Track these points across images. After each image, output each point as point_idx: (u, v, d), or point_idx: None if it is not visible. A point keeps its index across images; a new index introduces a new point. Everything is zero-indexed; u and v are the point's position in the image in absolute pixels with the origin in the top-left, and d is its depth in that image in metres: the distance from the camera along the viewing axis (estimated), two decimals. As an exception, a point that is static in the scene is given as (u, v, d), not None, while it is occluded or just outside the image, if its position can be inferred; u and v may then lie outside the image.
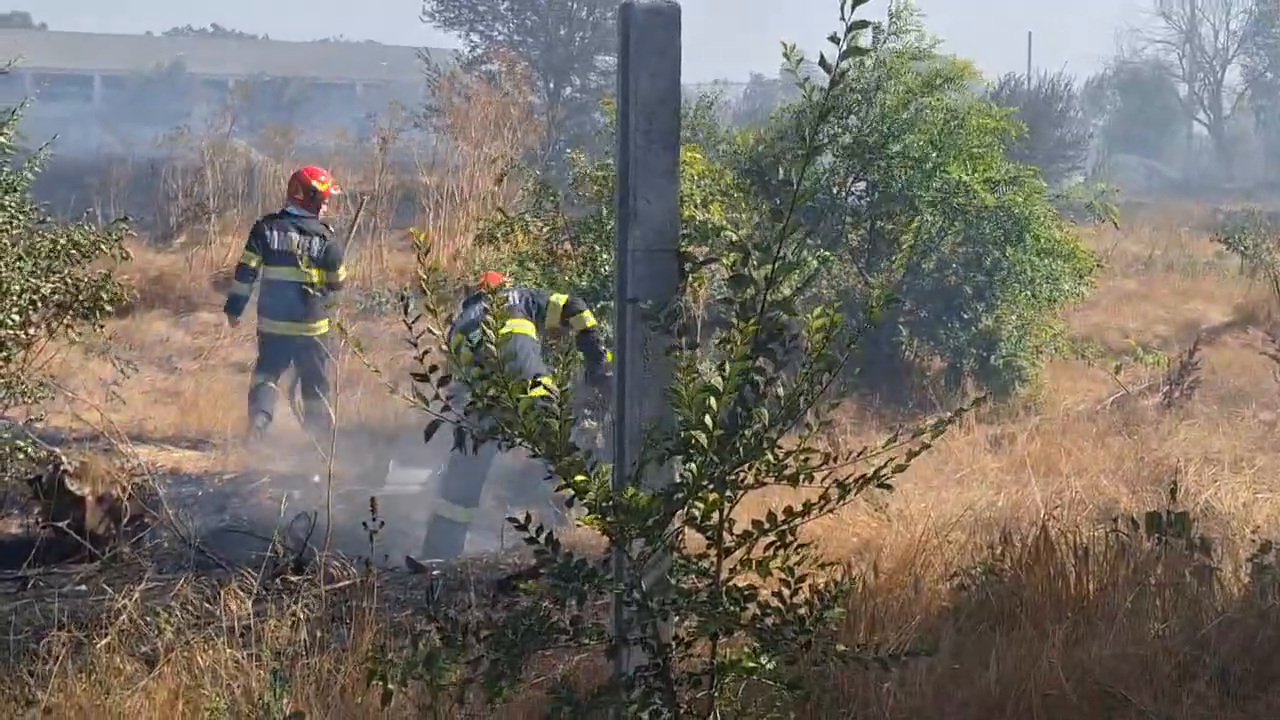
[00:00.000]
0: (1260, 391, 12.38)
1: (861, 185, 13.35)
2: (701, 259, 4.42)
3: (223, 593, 6.40)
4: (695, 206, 11.62)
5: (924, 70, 13.31)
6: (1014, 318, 12.87)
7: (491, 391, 3.50)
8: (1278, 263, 19.12)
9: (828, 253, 12.57)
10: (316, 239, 11.49)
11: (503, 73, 25.95)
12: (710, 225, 10.99)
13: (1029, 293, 12.69)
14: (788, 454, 3.62)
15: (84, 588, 7.02)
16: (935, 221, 12.69)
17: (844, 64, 3.50)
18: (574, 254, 12.39)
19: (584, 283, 11.09)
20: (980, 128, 12.97)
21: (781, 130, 13.72)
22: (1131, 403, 12.17)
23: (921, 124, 12.91)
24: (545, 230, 12.81)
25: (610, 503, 3.50)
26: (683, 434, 3.53)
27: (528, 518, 3.67)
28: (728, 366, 3.49)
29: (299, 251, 11.22)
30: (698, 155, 12.47)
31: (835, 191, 13.19)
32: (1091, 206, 14.17)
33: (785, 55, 3.74)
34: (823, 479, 3.65)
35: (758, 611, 3.64)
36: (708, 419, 3.44)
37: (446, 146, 22.19)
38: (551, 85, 39.28)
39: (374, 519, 7.09)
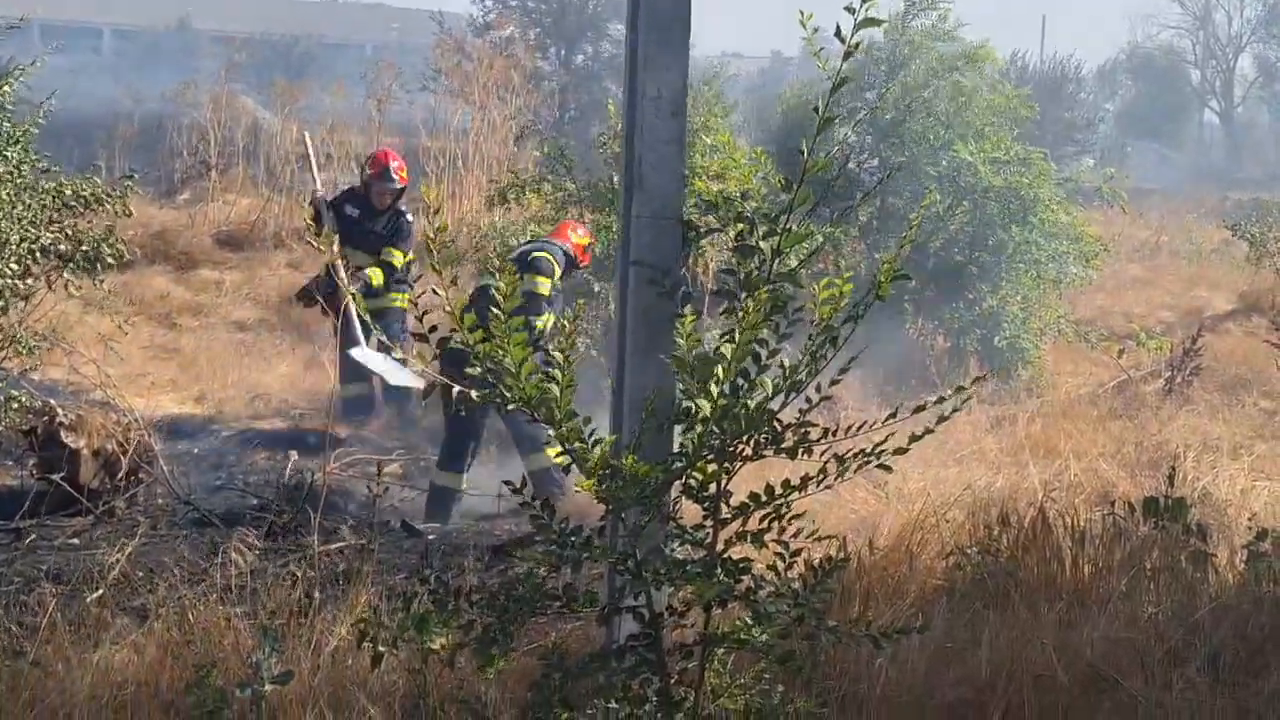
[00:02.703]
0: (1262, 379, 12.37)
1: (875, 162, 13.32)
2: (706, 228, 4.38)
3: (218, 549, 6.40)
4: (709, 178, 11.58)
5: (945, 51, 13.27)
6: (1018, 298, 12.84)
7: (493, 354, 3.47)
8: (1284, 251, 19.06)
9: (833, 228, 12.52)
10: None
11: (512, 37, 25.81)
12: (719, 195, 10.94)
13: (1034, 273, 12.66)
14: (786, 427, 3.59)
15: (76, 541, 7.02)
16: (943, 200, 12.64)
17: (858, 35, 3.47)
18: (585, 220, 12.36)
19: (596, 249, 11.06)
20: (989, 106, 12.92)
21: (806, 101, 13.68)
22: (1133, 387, 12.15)
23: (935, 102, 12.86)
24: (556, 195, 12.78)
25: (608, 470, 3.48)
26: (683, 403, 3.51)
27: (524, 482, 3.65)
28: (737, 336, 3.46)
29: None
30: (721, 123, 12.44)
31: (849, 166, 13.14)
32: (1100, 191, 14.12)
33: (802, 23, 3.70)
34: (821, 453, 3.62)
35: (751, 584, 3.62)
36: (712, 388, 3.42)
37: (448, 110, 22.09)
38: (563, 52, 39.10)
39: (378, 483, 7.09)
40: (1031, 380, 12.61)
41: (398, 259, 10.93)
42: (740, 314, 3.49)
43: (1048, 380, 12.75)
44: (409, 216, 11.05)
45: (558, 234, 9.56)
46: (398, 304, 10.90)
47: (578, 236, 9.51)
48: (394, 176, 11.06)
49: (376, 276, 10.75)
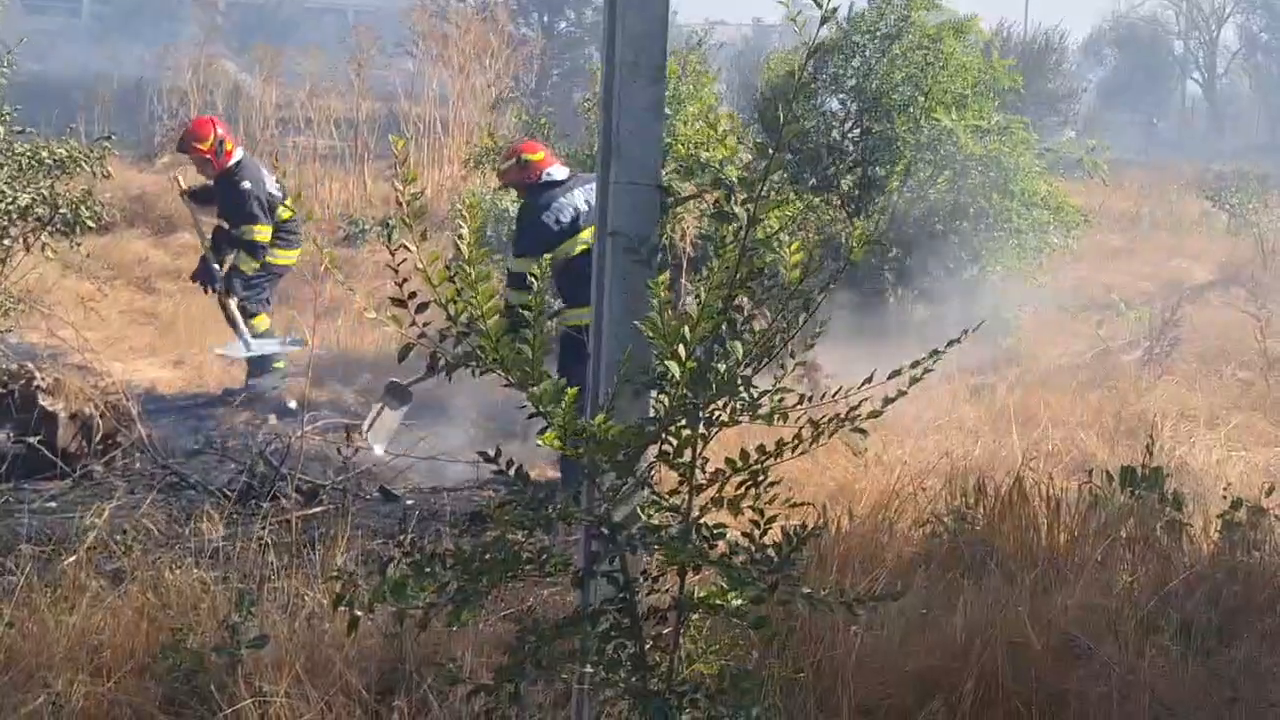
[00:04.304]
0: (1240, 350, 12.40)
1: (857, 131, 13.30)
2: (684, 194, 4.38)
3: (193, 514, 6.40)
4: (694, 146, 11.58)
5: (931, 21, 13.23)
6: (999, 268, 12.85)
7: (465, 315, 3.46)
8: (1263, 223, 19.12)
9: (814, 196, 12.52)
10: None
11: (494, 1, 25.72)
12: (697, 161, 10.95)
13: (1015, 243, 12.66)
14: (763, 393, 3.59)
15: (54, 504, 7.01)
16: (924, 168, 12.64)
17: (834, 1, 3.45)
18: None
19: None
20: (967, 71, 12.86)
21: (790, 71, 13.64)
22: (1112, 357, 12.19)
23: (916, 72, 12.82)
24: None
25: (582, 433, 3.47)
26: (657, 366, 3.50)
27: (498, 451, 3.64)
28: (703, 294, 3.46)
29: None
30: (711, 91, 12.42)
31: (833, 135, 13.14)
32: (1081, 162, 14.12)
33: (779, -14, 3.68)
34: (796, 419, 3.62)
35: (727, 550, 3.63)
36: (680, 349, 3.41)
37: (429, 74, 22.03)
38: (545, 18, 38.98)
39: (349, 446, 7.09)
40: (1011, 349, 12.64)
41: (257, 234, 10.64)
42: (707, 277, 3.49)
43: (1027, 350, 12.78)
44: (244, 185, 10.58)
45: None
46: (281, 261, 10.92)
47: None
48: (185, 147, 10.85)
49: (245, 264, 10.67)
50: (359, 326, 12.44)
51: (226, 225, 10.68)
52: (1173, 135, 55.50)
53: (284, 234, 10.83)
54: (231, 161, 10.63)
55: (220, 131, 10.68)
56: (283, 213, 10.70)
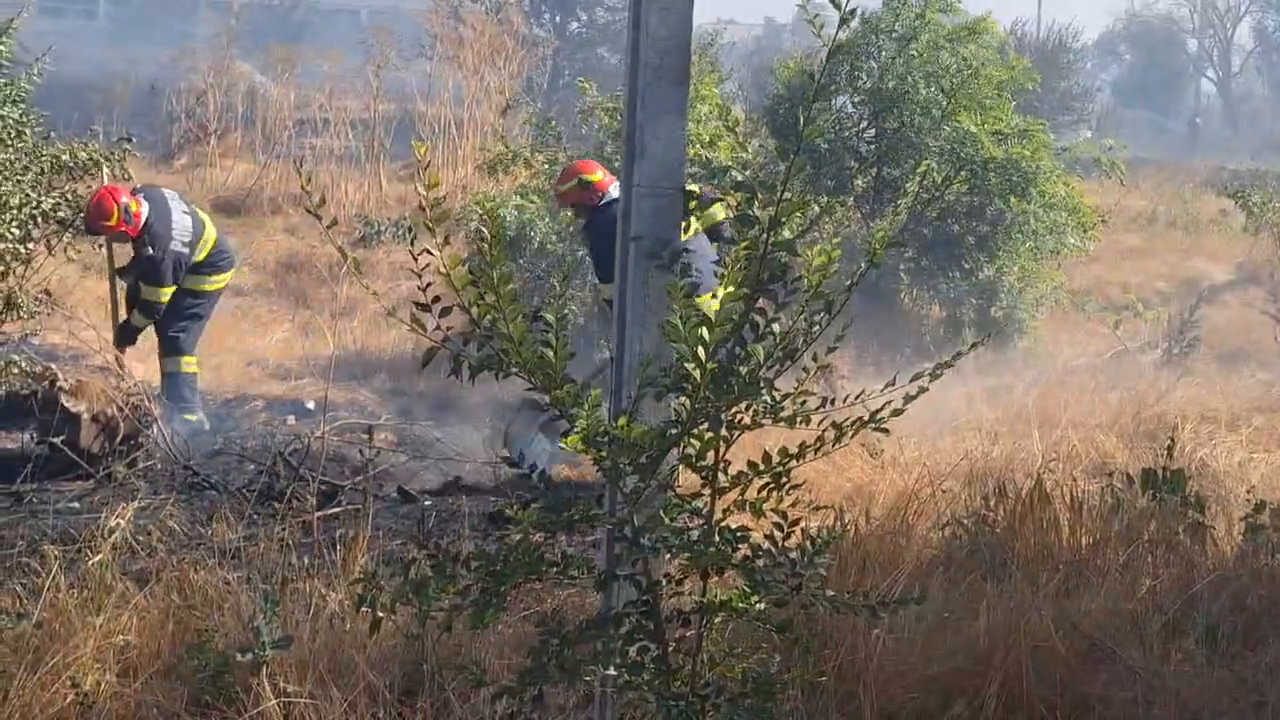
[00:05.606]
0: (1259, 351, 12.39)
1: (871, 131, 13.28)
2: (706, 197, 4.38)
3: (214, 514, 6.42)
4: (702, 145, 11.59)
5: (947, 23, 13.20)
6: (1015, 269, 12.82)
7: (489, 318, 3.46)
8: (1283, 223, 19.03)
9: (830, 197, 12.51)
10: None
11: (507, 2, 25.74)
12: (718, 164, 10.96)
13: (1031, 244, 12.63)
14: (784, 396, 3.59)
15: (77, 505, 7.03)
16: (941, 170, 12.62)
17: (854, 2, 3.45)
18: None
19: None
20: (993, 79, 12.84)
21: (808, 70, 13.63)
22: (1130, 358, 12.16)
23: (939, 73, 12.79)
24: (546, 165, 12.78)
25: (605, 436, 3.47)
26: (678, 368, 3.50)
27: (521, 455, 3.65)
28: (720, 293, 3.46)
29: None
30: (714, 91, 12.43)
31: (845, 136, 13.11)
32: (1098, 161, 14.10)
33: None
34: (819, 422, 3.62)
35: (749, 553, 3.63)
36: (701, 351, 3.41)
37: (443, 75, 22.06)
38: (558, 19, 38.94)
39: (370, 447, 7.11)
40: (1028, 350, 12.62)
41: (160, 295, 9.99)
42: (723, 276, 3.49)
43: (1044, 350, 12.75)
44: (147, 252, 9.91)
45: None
46: (217, 286, 10.48)
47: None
48: (94, 228, 9.86)
49: (136, 320, 10.05)
50: (375, 327, 12.47)
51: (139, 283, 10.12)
52: (1187, 133, 55.27)
53: (214, 261, 10.33)
54: (142, 221, 9.89)
55: (123, 200, 9.78)
56: (207, 239, 10.26)
